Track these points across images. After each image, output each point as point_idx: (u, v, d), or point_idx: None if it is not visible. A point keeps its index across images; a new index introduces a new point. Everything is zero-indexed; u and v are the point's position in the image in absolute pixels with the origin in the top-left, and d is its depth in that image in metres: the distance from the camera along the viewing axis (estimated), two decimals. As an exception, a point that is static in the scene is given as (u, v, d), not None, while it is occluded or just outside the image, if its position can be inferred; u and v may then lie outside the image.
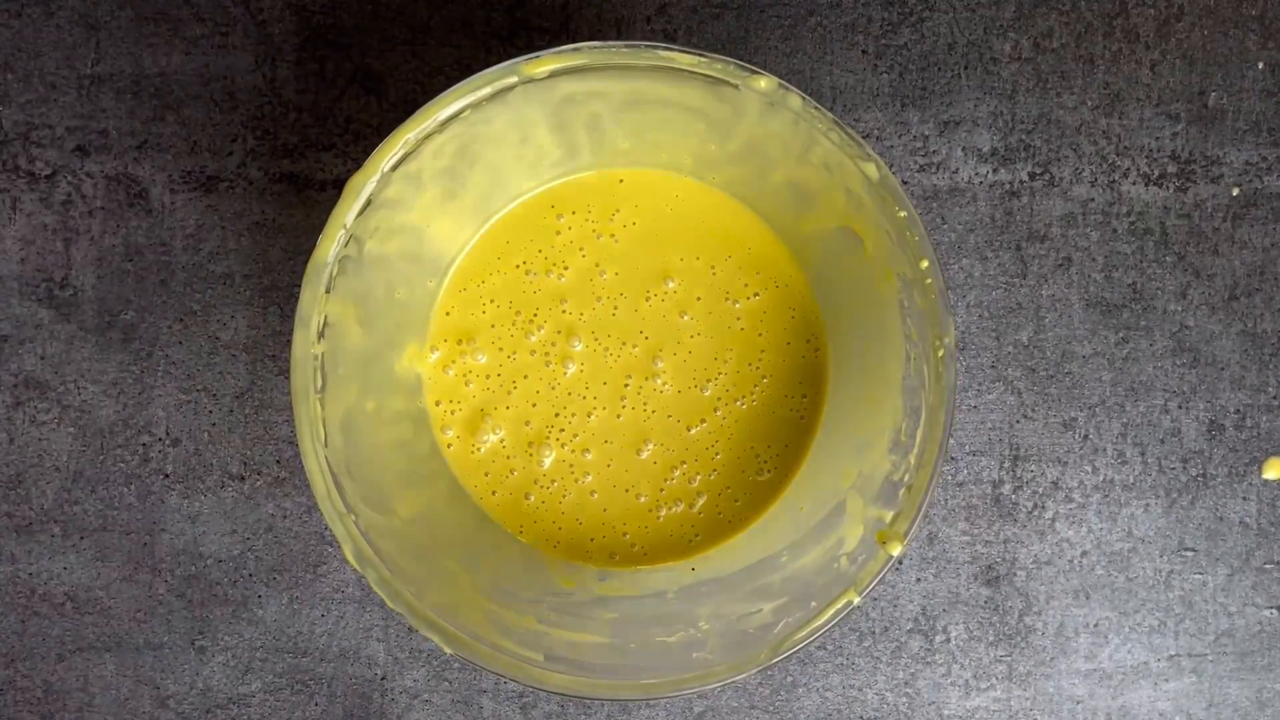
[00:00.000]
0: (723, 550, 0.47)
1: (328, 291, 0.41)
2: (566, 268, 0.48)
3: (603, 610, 0.45)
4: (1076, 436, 0.51)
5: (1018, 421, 0.51)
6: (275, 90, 0.50)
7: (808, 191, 0.44)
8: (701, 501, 0.47)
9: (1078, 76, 0.51)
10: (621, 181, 0.48)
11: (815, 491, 0.46)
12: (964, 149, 0.51)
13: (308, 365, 0.41)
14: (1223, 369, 0.51)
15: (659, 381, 0.47)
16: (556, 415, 0.47)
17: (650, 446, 0.47)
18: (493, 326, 0.47)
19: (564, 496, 0.47)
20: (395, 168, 0.41)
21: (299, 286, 0.41)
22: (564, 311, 0.47)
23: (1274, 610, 0.51)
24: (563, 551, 0.47)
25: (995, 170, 0.51)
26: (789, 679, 0.51)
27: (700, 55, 0.40)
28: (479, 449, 0.47)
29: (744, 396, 0.47)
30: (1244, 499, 0.51)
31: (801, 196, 0.45)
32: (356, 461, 0.42)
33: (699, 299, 0.48)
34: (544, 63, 0.40)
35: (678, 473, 0.47)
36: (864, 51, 0.51)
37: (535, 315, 0.47)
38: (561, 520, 0.47)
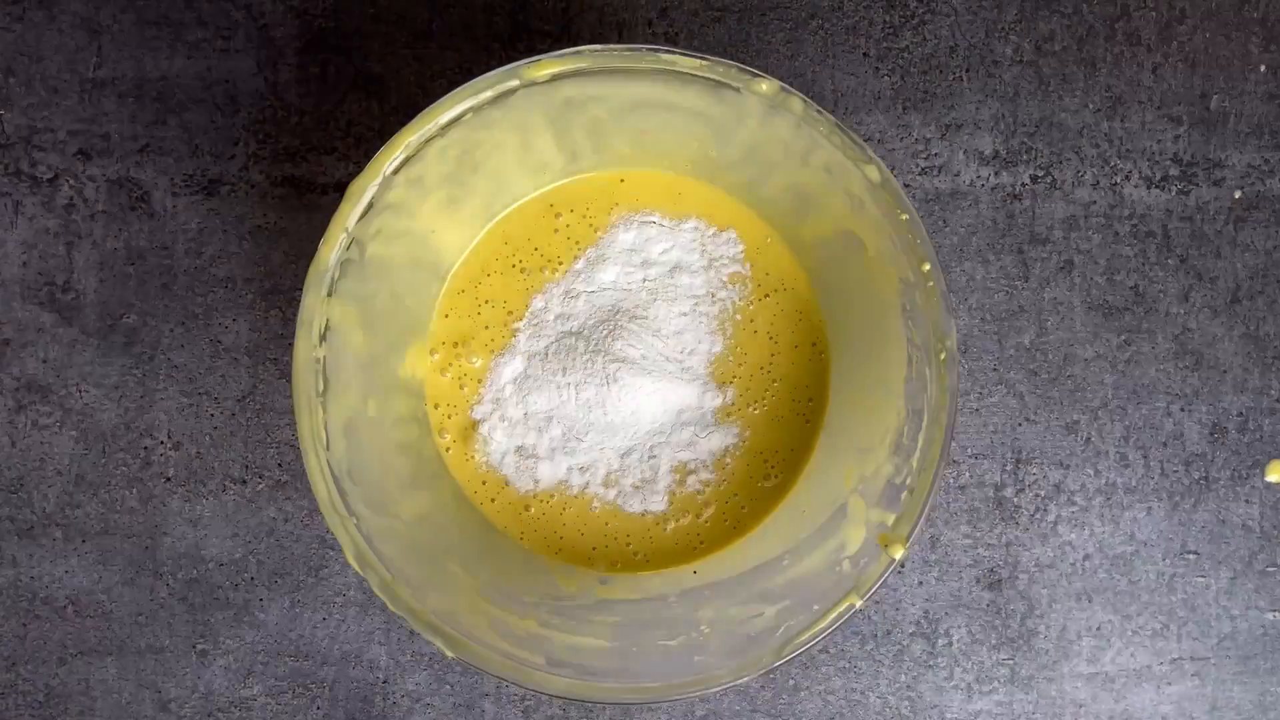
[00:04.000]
0: (725, 554, 0.47)
1: (330, 295, 0.41)
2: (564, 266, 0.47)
3: (604, 614, 0.45)
4: (1079, 439, 0.51)
5: (1020, 424, 0.51)
6: (277, 94, 0.50)
7: (809, 195, 0.44)
8: (709, 512, 0.47)
9: (1079, 79, 0.51)
10: (623, 181, 0.47)
11: (817, 495, 0.46)
12: (965, 152, 0.51)
13: (310, 369, 0.40)
14: (1225, 372, 0.51)
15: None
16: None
17: (652, 450, 0.47)
18: (487, 328, 0.47)
19: (565, 509, 0.47)
20: (397, 171, 0.41)
21: (301, 290, 0.41)
22: (566, 315, 0.47)
23: (1276, 613, 0.51)
24: (565, 557, 0.47)
25: (997, 173, 0.51)
26: (791, 682, 0.51)
27: (702, 58, 0.40)
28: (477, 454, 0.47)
29: (756, 402, 0.47)
30: (1246, 502, 0.51)
31: (803, 200, 0.45)
32: (358, 465, 0.42)
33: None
34: (545, 66, 0.40)
35: (689, 481, 0.47)
36: (866, 55, 0.51)
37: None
38: (563, 530, 0.47)
